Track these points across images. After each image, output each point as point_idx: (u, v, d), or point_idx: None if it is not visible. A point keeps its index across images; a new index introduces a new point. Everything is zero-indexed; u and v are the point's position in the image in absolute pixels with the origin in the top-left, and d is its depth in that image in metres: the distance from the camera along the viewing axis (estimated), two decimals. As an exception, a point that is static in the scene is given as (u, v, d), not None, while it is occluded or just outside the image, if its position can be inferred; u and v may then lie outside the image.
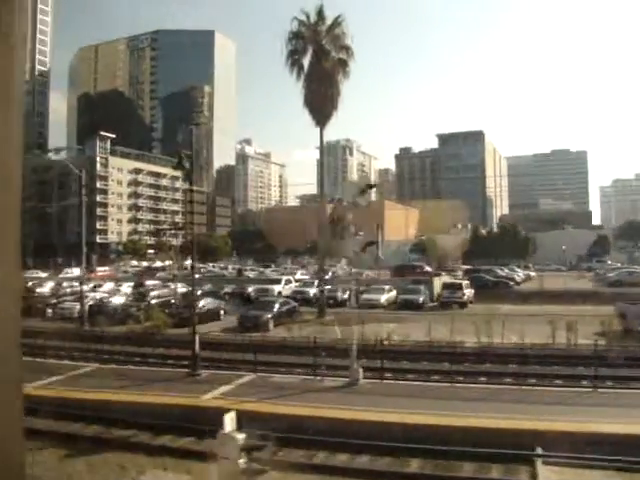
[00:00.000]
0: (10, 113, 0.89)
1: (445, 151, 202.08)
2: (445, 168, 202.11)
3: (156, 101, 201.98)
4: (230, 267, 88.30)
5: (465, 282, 48.60)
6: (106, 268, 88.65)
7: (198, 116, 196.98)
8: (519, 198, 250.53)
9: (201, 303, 38.03)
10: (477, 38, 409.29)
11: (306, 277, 59.31)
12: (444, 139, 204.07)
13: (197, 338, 21.12)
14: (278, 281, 51.32)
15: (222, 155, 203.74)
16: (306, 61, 39.47)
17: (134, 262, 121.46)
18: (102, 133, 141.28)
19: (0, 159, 0.89)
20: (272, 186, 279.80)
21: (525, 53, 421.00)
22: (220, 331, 34.06)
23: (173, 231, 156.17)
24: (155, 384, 19.75)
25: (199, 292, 46.88)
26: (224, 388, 18.93)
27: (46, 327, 34.47)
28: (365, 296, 45.23)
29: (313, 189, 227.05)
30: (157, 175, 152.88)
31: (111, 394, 18.42)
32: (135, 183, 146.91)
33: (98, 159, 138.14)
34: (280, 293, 48.03)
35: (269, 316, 34.13)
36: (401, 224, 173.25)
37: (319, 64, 38.55)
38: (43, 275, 77.13)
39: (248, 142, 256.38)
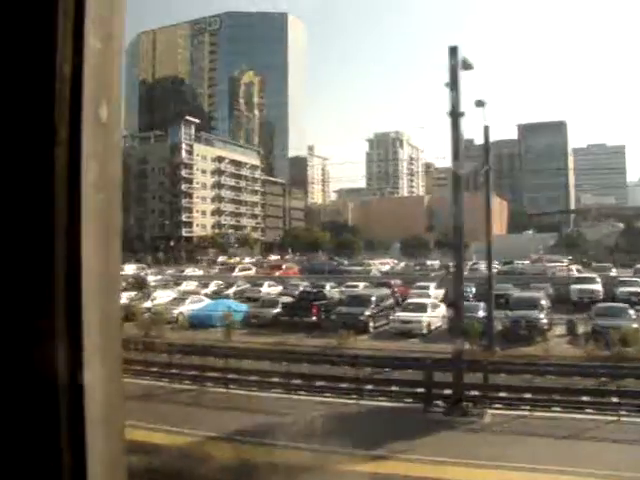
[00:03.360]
0: (112, 105, 1.05)
1: (526, 142, 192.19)
2: (525, 160, 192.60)
3: (215, 88, 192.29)
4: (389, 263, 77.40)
5: None
6: (290, 264, 78.19)
7: (264, 104, 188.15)
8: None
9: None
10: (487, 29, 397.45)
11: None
12: (525, 130, 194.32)
13: None
14: (591, 279, 41.46)
15: (295, 144, 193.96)
16: None
17: (221, 258, 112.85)
18: (187, 118, 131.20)
19: (105, 151, 1.03)
20: (315, 179, 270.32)
21: (558, 45, 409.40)
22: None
23: (253, 224, 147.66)
24: None
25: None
26: None
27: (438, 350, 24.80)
28: None
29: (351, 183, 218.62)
30: (238, 164, 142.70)
31: None
32: (218, 172, 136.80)
33: (183, 146, 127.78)
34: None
35: None
36: (501, 217, 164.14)
37: None
38: (197, 273, 67.42)
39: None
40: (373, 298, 33.45)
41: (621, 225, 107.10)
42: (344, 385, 18.95)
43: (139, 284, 51.12)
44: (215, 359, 22.41)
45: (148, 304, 38.15)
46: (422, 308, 31.14)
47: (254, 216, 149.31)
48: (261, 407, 16.76)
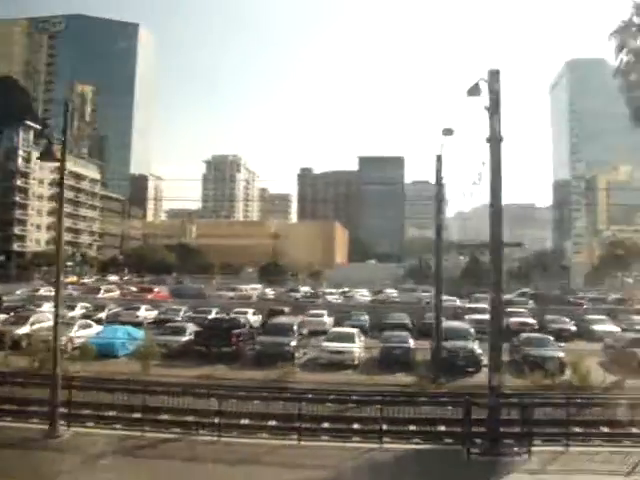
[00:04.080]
0: None
1: (365, 174, 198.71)
2: (363, 191, 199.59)
3: (52, 94, 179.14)
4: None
5: None
6: (161, 286, 71.72)
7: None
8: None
9: None
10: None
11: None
12: (366, 162, 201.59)
13: None
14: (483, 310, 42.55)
15: (136, 160, 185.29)
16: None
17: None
18: (27, 122, 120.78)
19: None
20: (150, 198, 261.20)
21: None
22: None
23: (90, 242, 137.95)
24: None
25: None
26: None
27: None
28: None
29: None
30: (78, 177, 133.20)
31: None
32: (57, 184, 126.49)
33: (20, 152, 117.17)
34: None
35: None
36: (344, 246, 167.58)
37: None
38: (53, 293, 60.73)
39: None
40: (295, 327, 31.83)
41: (462, 257, 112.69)
42: (344, 426, 17.31)
43: (-5, 304, 45.38)
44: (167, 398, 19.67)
45: (25, 329, 33.47)
46: (350, 338, 29.99)
47: (92, 233, 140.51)
48: (278, 459, 14.64)
